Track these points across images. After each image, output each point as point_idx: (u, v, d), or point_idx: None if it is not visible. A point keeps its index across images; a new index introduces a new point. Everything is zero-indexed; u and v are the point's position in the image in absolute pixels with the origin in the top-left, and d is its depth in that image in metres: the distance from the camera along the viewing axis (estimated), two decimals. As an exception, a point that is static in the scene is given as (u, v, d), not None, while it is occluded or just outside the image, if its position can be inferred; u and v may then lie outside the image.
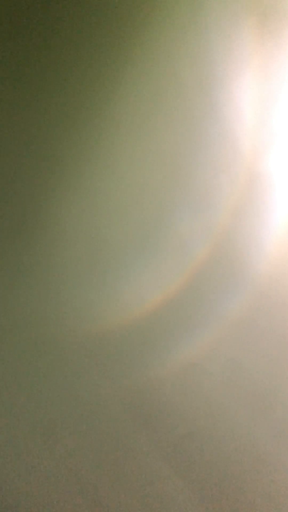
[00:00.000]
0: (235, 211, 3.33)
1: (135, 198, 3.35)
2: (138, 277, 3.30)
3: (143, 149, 3.36)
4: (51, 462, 2.98)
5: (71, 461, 2.97)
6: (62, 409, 3.11)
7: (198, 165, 3.34)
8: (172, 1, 3.33)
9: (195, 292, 3.29)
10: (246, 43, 3.32)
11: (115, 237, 3.32)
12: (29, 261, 3.30)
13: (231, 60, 3.33)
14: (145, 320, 3.26)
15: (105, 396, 3.14)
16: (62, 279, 3.30)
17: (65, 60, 3.36)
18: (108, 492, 2.87)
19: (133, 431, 3.05)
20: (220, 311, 3.27)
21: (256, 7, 3.31)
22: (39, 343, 3.23)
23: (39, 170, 3.35)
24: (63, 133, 3.36)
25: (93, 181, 3.35)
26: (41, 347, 3.22)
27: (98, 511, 2.81)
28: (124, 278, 3.30)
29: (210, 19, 3.32)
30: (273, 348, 3.23)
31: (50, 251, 3.31)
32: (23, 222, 3.33)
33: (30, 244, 3.31)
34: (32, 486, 2.91)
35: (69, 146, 3.36)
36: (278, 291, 3.27)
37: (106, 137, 3.36)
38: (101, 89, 3.34)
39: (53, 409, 3.11)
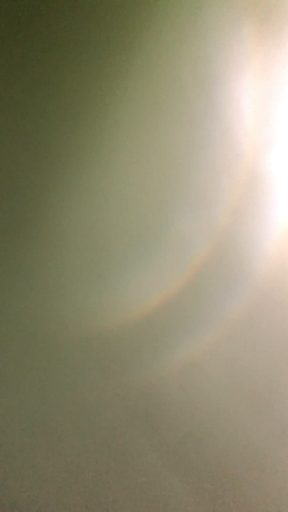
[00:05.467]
0: (235, 211, 3.33)
1: (135, 198, 3.34)
2: (138, 277, 3.30)
3: (143, 149, 3.36)
4: (50, 461, 2.98)
5: (70, 460, 2.97)
6: (62, 408, 3.11)
7: (198, 165, 3.34)
8: (172, 1, 3.33)
9: (195, 292, 3.29)
10: (246, 43, 3.32)
11: (115, 237, 3.32)
12: (29, 261, 3.30)
13: (231, 60, 3.32)
14: (145, 320, 3.26)
15: (105, 396, 3.14)
16: (63, 279, 3.30)
17: (65, 61, 3.36)
18: (107, 491, 2.86)
19: (133, 430, 3.05)
20: (220, 311, 3.27)
21: (256, 7, 3.31)
22: (39, 343, 3.23)
23: (39, 171, 3.35)
24: (63, 134, 3.36)
25: (93, 181, 3.35)
26: (41, 347, 3.22)
27: (98, 511, 2.81)
28: (124, 278, 3.30)
29: (210, 19, 3.32)
30: (273, 348, 3.23)
31: (51, 251, 3.31)
32: (23, 223, 3.33)
33: (31, 244, 3.31)
34: (32, 485, 2.91)
35: (69, 147, 3.36)
36: (278, 291, 3.27)
37: (106, 138, 3.36)
38: (101, 89, 3.34)
39: (53, 409, 3.11)
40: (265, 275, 3.28)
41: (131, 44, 3.33)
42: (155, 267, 3.31)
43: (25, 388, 3.16)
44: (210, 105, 3.34)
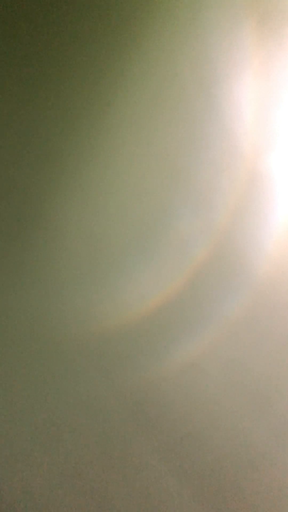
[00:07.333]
0: (235, 211, 3.33)
1: (135, 198, 3.34)
2: (138, 276, 3.30)
3: (143, 149, 3.36)
4: (50, 462, 2.98)
5: (70, 461, 2.97)
6: (61, 409, 3.10)
7: (198, 165, 3.34)
8: (172, 1, 3.33)
9: (195, 292, 3.29)
10: (246, 43, 3.32)
11: (115, 236, 3.32)
12: (29, 261, 3.30)
13: (231, 60, 3.32)
14: (145, 320, 3.26)
15: (105, 396, 3.14)
16: (62, 278, 3.30)
17: (64, 60, 3.36)
18: (107, 492, 2.86)
19: (133, 431, 3.05)
20: (220, 311, 3.27)
21: (256, 7, 3.31)
22: (38, 343, 3.22)
23: (38, 170, 3.35)
24: (63, 133, 3.36)
25: (93, 180, 3.35)
26: (40, 347, 3.22)
27: (97, 511, 2.80)
28: (123, 278, 3.30)
29: (210, 19, 3.32)
30: (273, 348, 3.23)
31: (50, 250, 3.31)
32: (23, 222, 3.33)
33: (30, 243, 3.31)
34: (32, 487, 2.91)
35: (69, 146, 3.36)
36: (278, 291, 3.27)
37: (106, 137, 3.36)
38: (100, 89, 3.34)
39: (52, 409, 3.10)
40: (265, 275, 3.28)
41: (131, 43, 3.33)
42: (155, 267, 3.31)
43: (23, 388, 3.16)
44: (210, 105, 3.34)
